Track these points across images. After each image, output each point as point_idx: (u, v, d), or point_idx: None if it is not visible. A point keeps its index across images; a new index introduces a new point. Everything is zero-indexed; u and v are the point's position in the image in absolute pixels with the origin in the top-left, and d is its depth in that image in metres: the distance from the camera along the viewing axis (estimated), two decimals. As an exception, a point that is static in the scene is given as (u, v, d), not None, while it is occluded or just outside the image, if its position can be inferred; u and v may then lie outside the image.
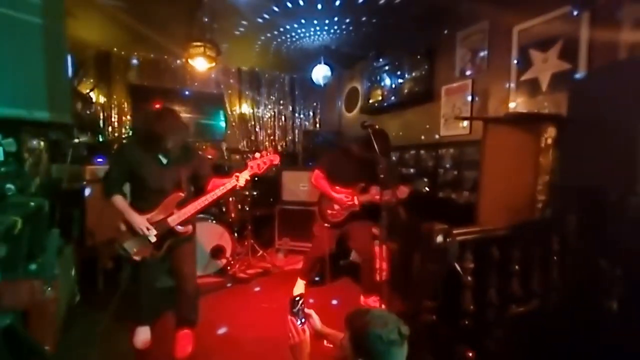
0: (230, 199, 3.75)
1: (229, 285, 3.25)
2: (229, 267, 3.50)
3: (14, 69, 0.90)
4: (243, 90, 5.09)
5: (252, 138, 5.16)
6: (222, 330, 2.43)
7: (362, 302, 2.66)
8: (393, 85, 3.79)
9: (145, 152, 2.06)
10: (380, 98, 3.99)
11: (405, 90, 3.63)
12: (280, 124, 5.38)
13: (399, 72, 3.70)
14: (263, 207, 4.16)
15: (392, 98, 3.80)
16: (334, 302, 2.86)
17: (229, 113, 5.01)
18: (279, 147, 5.30)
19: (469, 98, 2.99)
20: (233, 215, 3.72)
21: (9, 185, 1.95)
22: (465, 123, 3.04)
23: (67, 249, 2.43)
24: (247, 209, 3.80)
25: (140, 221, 1.99)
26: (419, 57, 3.44)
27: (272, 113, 5.32)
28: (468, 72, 3.02)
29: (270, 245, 4.08)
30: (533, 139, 2.15)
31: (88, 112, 4.04)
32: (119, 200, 2.04)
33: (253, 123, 5.18)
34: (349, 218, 2.65)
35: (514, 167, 2.21)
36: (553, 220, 1.91)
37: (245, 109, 5.13)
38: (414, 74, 3.52)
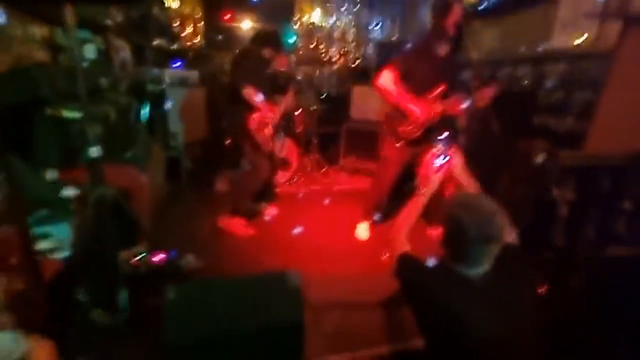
0: (297, 112, 3.69)
1: (300, 195, 3.38)
2: (294, 180, 3.63)
3: None
4: (314, -4, 4.61)
5: (323, 50, 4.82)
6: (290, 232, 2.61)
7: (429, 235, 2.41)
8: (496, -18, 3.07)
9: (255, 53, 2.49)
10: (475, 0, 3.30)
11: (512, -13, 2.91)
12: (354, 35, 4.89)
13: (507, -37, 2.94)
14: (331, 124, 4.03)
15: (492, -1, 3.11)
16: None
17: (299, 22, 4.65)
18: (351, 62, 4.91)
19: (604, -7, 2.28)
20: (299, 129, 3.70)
21: (103, 79, 2.11)
22: (587, 31, 2.37)
23: (155, 147, 2.67)
24: (314, 124, 3.73)
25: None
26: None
27: (346, 22, 4.82)
28: (609, -44, 2.25)
29: (336, 163, 4.07)
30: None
31: (163, 17, 4.06)
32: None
33: (324, 33, 4.79)
34: (426, 134, 2.14)
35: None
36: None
37: (317, 17, 4.71)
38: (527, -36, 2.77)
